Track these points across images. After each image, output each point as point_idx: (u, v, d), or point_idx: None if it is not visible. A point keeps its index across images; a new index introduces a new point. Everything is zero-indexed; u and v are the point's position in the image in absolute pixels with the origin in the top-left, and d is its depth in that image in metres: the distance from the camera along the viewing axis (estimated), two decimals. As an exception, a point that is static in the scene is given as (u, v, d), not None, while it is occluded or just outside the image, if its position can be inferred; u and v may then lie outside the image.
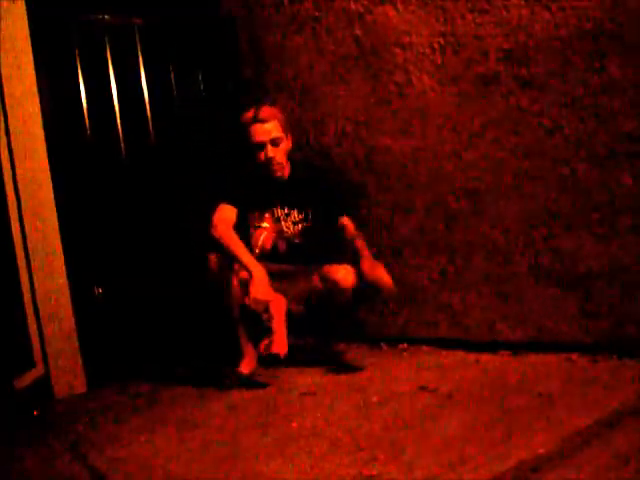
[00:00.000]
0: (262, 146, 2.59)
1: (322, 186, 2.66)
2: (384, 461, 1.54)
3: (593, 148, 2.09)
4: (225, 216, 2.54)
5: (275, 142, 2.60)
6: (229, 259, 2.47)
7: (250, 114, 2.61)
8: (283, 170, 2.65)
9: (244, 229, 2.62)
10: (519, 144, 2.27)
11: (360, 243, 2.54)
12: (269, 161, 2.60)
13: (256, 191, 2.65)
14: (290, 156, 2.69)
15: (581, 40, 2.07)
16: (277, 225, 2.66)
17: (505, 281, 2.37)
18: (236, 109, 3.03)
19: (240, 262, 2.42)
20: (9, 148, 2.62)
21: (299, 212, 2.67)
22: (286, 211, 2.67)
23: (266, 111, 2.62)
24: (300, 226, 2.66)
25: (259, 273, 2.37)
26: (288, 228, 2.66)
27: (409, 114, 2.61)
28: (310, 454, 1.66)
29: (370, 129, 2.78)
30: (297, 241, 2.65)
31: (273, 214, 2.67)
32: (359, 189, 2.82)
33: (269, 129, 2.59)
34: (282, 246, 2.66)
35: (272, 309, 2.39)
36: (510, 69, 2.26)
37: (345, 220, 2.60)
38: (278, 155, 2.61)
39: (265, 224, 2.66)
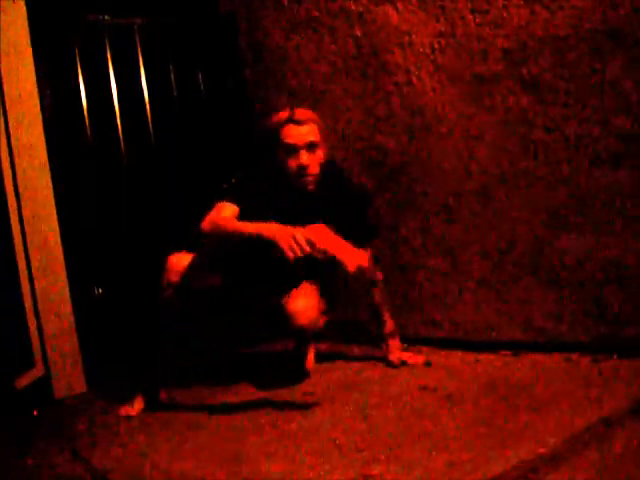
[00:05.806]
0: (294, 150, 2.17)
1: (348, 208, 2.29)
2: (384, 461, 1.54)
3: (593, 148, 2.09)
4: (224, 215, 2.10)
5: (312, 148, 2.19)
6: (227, 243, 2.06)
7: (284, 114, 2.21)
8: (315, 183, 2.23)
9: None
10: (519, 144, 2.27)
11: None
12: (302, 170, 2.16)
13: (277, 204, 2.18)
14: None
15: (581, 40, 2.07)
16: None
17: (505, 281, 2.37)
18: (237, 109, 3.02)
19: (249, 234, 1.96)
20: (9, 148, 2.61)
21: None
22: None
23: (304, 112, 2.23)
24: None
25: (278, 227, 1.91)
26: None
27: (409, 114, 2.61)
28: (310, 454, 1.66)
29: (370, 129, 2.77)
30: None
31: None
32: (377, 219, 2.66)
33: (305, 132, 2.18)
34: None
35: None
36: (510, 69, 2.26)
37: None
38: (313, 164, 2.19)
39: None
